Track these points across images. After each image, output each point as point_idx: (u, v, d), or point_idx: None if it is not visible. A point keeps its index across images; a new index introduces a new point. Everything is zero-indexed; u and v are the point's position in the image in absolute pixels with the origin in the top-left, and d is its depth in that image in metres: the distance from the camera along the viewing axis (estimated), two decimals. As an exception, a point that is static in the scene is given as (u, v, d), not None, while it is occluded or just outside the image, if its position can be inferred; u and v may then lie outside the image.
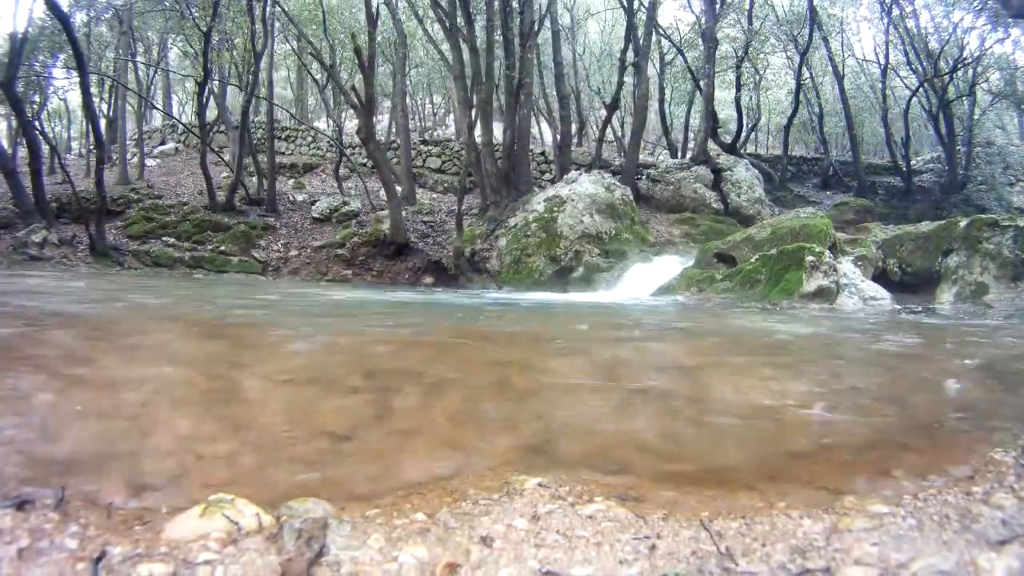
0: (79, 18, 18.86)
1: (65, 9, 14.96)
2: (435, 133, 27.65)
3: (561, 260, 12.69)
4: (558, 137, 18.83)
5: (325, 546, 1.21)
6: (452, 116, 29.78)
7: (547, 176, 20.08)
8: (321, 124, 28.40)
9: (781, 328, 5.57)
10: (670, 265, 11.32)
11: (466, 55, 15.78)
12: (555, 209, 13.51)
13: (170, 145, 24.85)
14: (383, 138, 22.78)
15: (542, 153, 21.58)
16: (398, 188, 16.10)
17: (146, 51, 25.40)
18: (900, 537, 1.30)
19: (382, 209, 15.68)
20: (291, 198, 18.05)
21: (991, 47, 20.99)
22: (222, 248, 14.47)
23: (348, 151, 20.22)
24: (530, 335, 5.07)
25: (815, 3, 19.87)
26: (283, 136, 24.21)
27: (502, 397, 2.49)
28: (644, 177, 18.74)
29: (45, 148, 18.16)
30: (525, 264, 12.81)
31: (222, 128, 21.16)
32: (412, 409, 2.35)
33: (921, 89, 21.25)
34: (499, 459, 1.76)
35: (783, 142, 24.10)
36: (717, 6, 18.91)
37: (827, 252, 8.53)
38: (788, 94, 25.57)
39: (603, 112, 23.02)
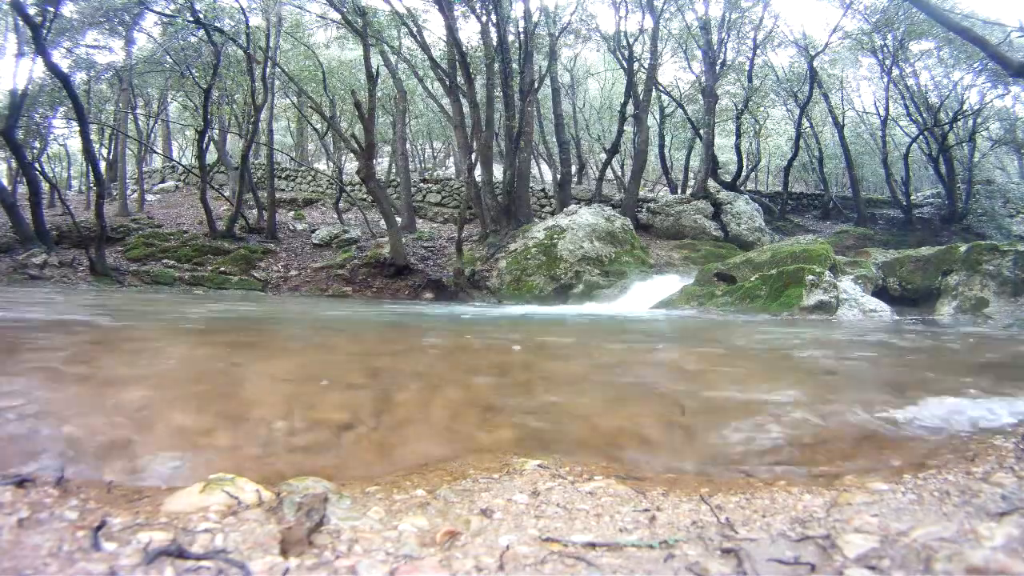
0: (79, 77, 19.03)
1: (65, 70, 15.23)
2: (435, 173, 27.87)
3: (561, 279, 12.74)
4: (558, 176, 19.04)
5: (325, 517, 1.21)
6: (452, 159, 30.07)
7: (547, 209, 20.14)
8: (321, 165, 28.65)
9: (780, 333, 5.56)
10: (670, 283, 11.35)
11: (466, 108, 16.08)
12: (555, 236, 13.61)
13: (170, 183, 24.95)
14: (383, 177, 22.96)
15: (542, 190, 21.71)
16: (398, 219, 16.24)
17: (146, 104, 25.65)
18: (900, 510, 1.30)
19: (382, 236, 15.78)
20: (291, 227, 18.16)
21: (991, 101, 21.35)
22: (222, 268, 14.53)
23: (348, 188, 20.36)
24: (530, 338, 5.06)
25: (815, 64, 20.23)
26: (283, 176, 24.23)
27: (503, 392, 2.49)
28: (644, 210, 18.87)
29: (45, 186, 18.36)
30: (525, 282, 12.85)
31: (222, 169, 21.37)
32: (414, 400, 2.35)
33: (921, 136, 21.54)
34: (499, 444, 1.76)
35: (783, 181, 24.27)
36: (717, 67, 19.27)
37: (827, 272, 8.57)
38: (788, 140, 25.86)
39: (603, 155, 23.29)
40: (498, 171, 16.70)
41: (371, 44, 14.45)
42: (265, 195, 18.11)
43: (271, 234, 16.94)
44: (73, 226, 14.87)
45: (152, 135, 26.22)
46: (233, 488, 1.32)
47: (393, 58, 18.17)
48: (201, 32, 15.81)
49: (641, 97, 18.23)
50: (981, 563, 1.03)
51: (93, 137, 18.79)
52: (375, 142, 14.10)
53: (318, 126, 24.06)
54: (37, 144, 20.18)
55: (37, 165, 17.77)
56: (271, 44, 16.91)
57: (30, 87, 15.91)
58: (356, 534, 1.15)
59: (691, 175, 23.01)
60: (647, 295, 10.85)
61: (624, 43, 18.65)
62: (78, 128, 14.68)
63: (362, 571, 1.01)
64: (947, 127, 20.64)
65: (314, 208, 21.83)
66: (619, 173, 25.42)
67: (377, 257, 14.33)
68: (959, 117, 20.70)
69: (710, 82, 19.02)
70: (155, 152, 27.22)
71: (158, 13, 16.53)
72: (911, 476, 1.52)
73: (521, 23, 16.54)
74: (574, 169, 21.47)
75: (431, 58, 16.18)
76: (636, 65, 18.45)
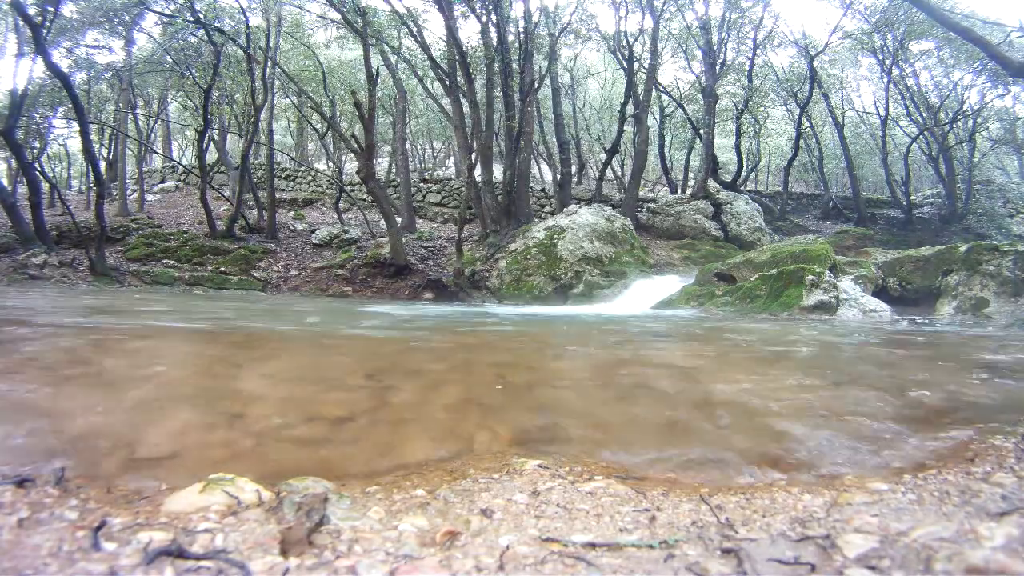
0: (79, 77, 19.00)
1: (65, 70, 15.24)
2: (435, 173, 27.85)
3: (561, 279, 12.75)
4: (558, 176, 19.04)
5: (325, 517, 1.21)
6: (452, 159, 30.07)
7: (547, 209, 20.14)
8: (321, 165, 28.63)
9: (779, 332, 5.56)
10: (670, 283, 11.37)
11: (466, 108, 16.09)
12: (555, 236, 13.62)
13: (170, 183, 24.91)
14: (383, 177, 22.91)
15: (542, 190, 21.69)
16: (398, 219, 16.25)
17: (146, 104, 25.64)
18: (900, 510, 1.30)
19: (382, 236, 15.78)
20: (291, 227, 18.16)
21: (991, 101, 21.35)
22: (222, 268, 14.54)
23: (348, 188, 20.35)
24: (530, 338, 5.07)
25: (815, 64, 20.22)
26: (283, 176, 24.19)
27: (502, 392, 2.49)
28: (644, 210, 18.88)
29: (45, 186, 18.37)
30: (525, 282, 12.86)
31: (222, 169, 21.36)
32: (414, 399, 2.35)
33: (921, 136, 21.54)
34: (499, 445, 1.76)
35: (783, 181, 24.27)
36: (717, 67, 19.25)
37: (827, 272, 8.57)
38: (788, 140, 25.87)
39: (603, 155, 23.29)
40: (498, 171, 16.71)
41: (371, 44, 14.45)
42: (265, 195, 18.11)
43: (271, 234, 16.96)
44: (73, 226, 14.89)
45: (152, 135, 26.19)
46: (233, 488, 1.32)
47: (393, 58, 18.17)
48: (201, 32, 15.81)
49: (641, 97, 18.23)
50: (981, 563, 1.03)
51: (93, 137, 18.84)
52: (375, 142, 14.11)
53: (318, 126, 24.05)
54: (37, 144, 20.21)
55: (37, 165, 17.78)
56: (271, 44, 16.92)
57: (30, 87, 15.93)
58: (356, 534, 1.15)
59: (691, 175, 23.01)
60: (647, 295, 10.86)
61: (624, 43, 18.65)
62: (78, 128, 14.70)
63: (362, 571, 1.01)
64: (947, 127, 20.68)
65: (314, 208, 21.82)
66: (619, 173, 25.42)
67: (377, 257, 14.34)
68: (959, 117, 20.72)
69: (710, 82, 19.02)
70: (155, 152, 27.20)
71: (158, 13, 16.53)
72: (911, 476, 1.52)
73: (521, 23, 16.55)
74: (574, 169, 21.48)
75: (431, 58, 16.19)
76: (636, 65, 18.45)
